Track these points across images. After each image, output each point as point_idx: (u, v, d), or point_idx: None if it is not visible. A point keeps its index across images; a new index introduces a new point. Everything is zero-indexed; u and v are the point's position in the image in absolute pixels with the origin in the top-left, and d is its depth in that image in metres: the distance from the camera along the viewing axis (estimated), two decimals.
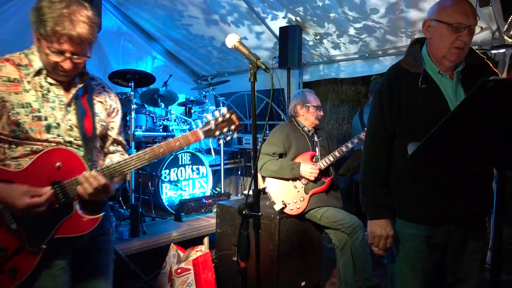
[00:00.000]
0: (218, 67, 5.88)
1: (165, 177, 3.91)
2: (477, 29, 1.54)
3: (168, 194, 3.94)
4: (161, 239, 3.21)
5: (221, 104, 4.74)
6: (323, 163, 2.89)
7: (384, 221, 1.62)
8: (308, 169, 2.82)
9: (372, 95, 1.72)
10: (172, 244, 3.02)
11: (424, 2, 3.45)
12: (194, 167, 4.20)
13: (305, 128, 3.04)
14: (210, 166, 4.49)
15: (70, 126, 1.40)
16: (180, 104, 4.64)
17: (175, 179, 4.02)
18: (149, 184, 3.89)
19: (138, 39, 5.45)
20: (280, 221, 2.77)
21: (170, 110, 4.36)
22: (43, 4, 1.28)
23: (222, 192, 4.46)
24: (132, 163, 1.40)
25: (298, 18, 4.33)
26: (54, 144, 1.35)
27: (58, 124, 1.37)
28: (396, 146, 1.63)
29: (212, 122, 1.49)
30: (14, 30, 4.10)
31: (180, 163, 4.07)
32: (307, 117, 3.03)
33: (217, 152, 4.96)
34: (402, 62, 1.65)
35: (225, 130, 1.49)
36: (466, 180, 1.53)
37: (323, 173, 2.92)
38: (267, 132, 3.33)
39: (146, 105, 4.45)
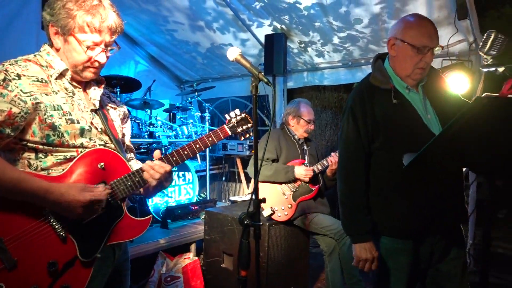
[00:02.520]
0: (202, 72, 5.88)
1: None
2: (438, 49, 1.61)
3: (154, 201, 3.90)
4: (148, 247, 3.17)
5: (207, 110, 4.75)
6: (316, 168, 2.93)
7: (368, 244, 1.63)
8: (303, 171, 2.87)
9: (343, 113, 1.76)
10: (160, 251, 3.00)
11: (406, 13, 3.56)
12: (181, 173, 4.19)
13: (296, 136, 3.09)
14: (196, 171, 4.47)
15: (100, 129, 1.35)
16: (166, 110, 4.61)
17: None
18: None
19: (121, 43, 5.34)
20: (269, 228, 2.80)
21: (156, 116, 4.33)
22: (66, 0, 1.23)
23: (208, 198, 4.45)
24: (173, 159, 1.40)
25: (283, 26, 4.39)
26: (90, 148, 1.28)
27: (90, 127, 1.31)
28: (375, 163, 1.66)
29: (234, 120, 1.58)
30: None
31: None
32: (297, 129, 3.07)
33: (203, 158, 4.96)
34: (372, 79, 1.70)
35: (244, 127, 1.58)
36: (444, 191, 1.59)
37: (312, 180, 2.98)
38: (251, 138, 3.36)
39: (131, 111, 4.41)
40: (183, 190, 4.20)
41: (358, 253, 1.65)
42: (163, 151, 4.42)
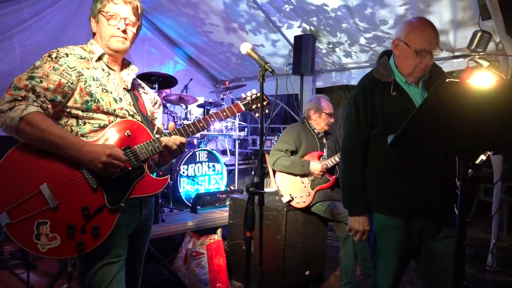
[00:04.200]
0: (236, 72, 6.19)
1: (183, 172, 4.21)
2: (437, 52, 1.76)
3: (186, 188, 4.24)
4: (178, 227, 3.50)
5: None
6: (329, 162, 3.14)
7: (362, 218, 1.85)
8: (317, 167, 3.08)
9: (349, 103, 1.95)
10: (188, 231, 3.31)
11: (430, 14, 3.67)
12: (210, 164, 4.50)
13: (316, 130, 3.29)
14: (225, 166, 4.78)
15: (129, 103, 1.63)
16: (199, 106, 4.95)
17: (193, 174, 4.33)
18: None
19: (162, 44, 5.82)
20: (287, 213, 3.02)
21: (190, 110, 4.68)
22: None
23: (236, 189, 4.73)
24: (190, 129, 1.66)
25: (312, 28, 4.59)
26: (120, 117, 1.56)
27: (121, 99, 1.58)
28: (374, 146, 1.85)
29: (248, 98, 1.80)
30: (50, 33, 4.54)
31: (197, 159, 4.38)
32: (318, 122, 3.28)
33: (232, 153, 5.25)
34: (375, 72, 1.88)
35: (259, 105, 1.77)
36: (435, 174, 1.75)
37: (329, 171, 3.17)
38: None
39: (168, 106, 4.78)
40: (213, 180, 4.51)
41: (351, 224, 1.86)
42: (196, 143, 4.77)
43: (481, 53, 2.18)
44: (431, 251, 1.83)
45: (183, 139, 1.62)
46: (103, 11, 1.58)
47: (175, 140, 1.59)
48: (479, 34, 2.24)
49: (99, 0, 1.60)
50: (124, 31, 1.60)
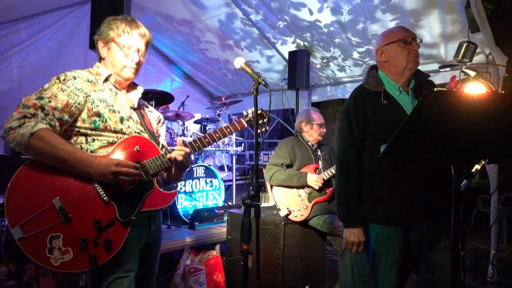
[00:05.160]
0: (232, 88, 6.26)
1: (181, 188, 4.21)
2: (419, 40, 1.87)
3: (183, 204, 4.23)
4: (176, 244, 3.47)
5: None
6: (325, 175, 3.15)
7: (357, 229, 1.85)
8: (314, 178, 3.09)
9: (342, 115, 2.00)
10: (186, 247, 3.29)
11: (420, 28, 3.75)
12: (208, 179, 4.50)
13: (309, 143, 3.32)
14: (223, 181, 4.78)
15: (136, 121, 1.67)
16: (196, 122, 4.98)
17: (190, 190, 4.32)
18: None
19: (159, 62, 5.90)
20: (285, 227, 3.01)
21: (187, 127, 4.71)
22: (109, 20, 1.65)
23: (234, 204, 4.72)
24: (197, 144, 1.71)
25: (306, 43, 4.68)
26: (127, 135, 1.59)
27: (128, 118, 1.63)
28: (368, 156, 1.87)
29: (250, 115, 1.86)
30: (48, 54, 4.61)
31: (195, 175, 4.38)
32: (311, 134, 3.31)
33: (230, 169, 5.26)
34: (365, 84, 1.93)
35: (260, 121, 1.83)
36: (429, 181, 1.77)
37: (325, 183, 3.18)
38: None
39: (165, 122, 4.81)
40: (210, 196, 4.50)
41: (346, 236, 1.86)
42: (193, 158, 4.78)
43: (468, 64, 2.24)
44: (431, 262, 1.82)
45: (187, 149, 1.66)
46: (117, 41, 1.63)
47: (179, 151, 1.63)
48: (465, 45, 2.31)
49: (111, 28, 1.63)
50: (137, 63, 1.66)
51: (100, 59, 1.71)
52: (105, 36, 1.64)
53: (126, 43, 1.62)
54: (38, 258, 1.38)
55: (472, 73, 2.31)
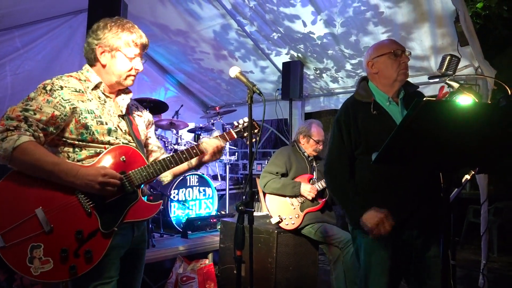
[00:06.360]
0: (226, 98, 6.30)
1: (174, 197, 4.20)
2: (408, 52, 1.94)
3: (176, 213, 4.22)
4: (168, 252, 3.46)
5: None
6: (319, 185, 3.17)
7: (369, 213, 1.78)
8: (308, 188, 3.11)
9: (333, 125, 2.04)
10: (178, 256, 3.27)
11: (411, 41, 3.84)
12: (201, 188, 4.50)
13: (305, 153, 3.35)
14: (216, 191, 4.78)
15: (124, 131, 1.66)
16: (190, 131, 4.99)
17: (183, 199, 4.31)
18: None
19: (153, 72, 5.92)
20: (278, 235, 3.02)
21: (181, 135, 4.72)
22: (110, 26, 1.62)
23: (227, 213, 4.72)
24: (183, 156, 1.71)
25: (299, 54, 4.74)
26: (115, 145, 1.59)
27: (116, 129, 1.62)
28: (359, 165, 1.91)
29: (240, 126, 1.87)
30: (42, 62, 4.61)
31: (188, 184, 4.38)
32: (306, 147, 3.34)
33: (223, 178, 5.26)
34: (355, 95, 1.99)
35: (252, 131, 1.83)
36: (418, 190, 1.81)
37: (318, 194, 3.20)
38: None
39: (159, 131, 4.82)
40: (203, 204, 4.50)
41: (369, 224, 1.76)
42: None
43: (454, 76, 2.30)
44: (421, 270, 1.84)
45: (220, 143, 1.77)
46: (124, 52, 1.62)
47: (212, 143, 1.73)
48: (448, 57, 2.38)
49: (116, 37, 1.61)
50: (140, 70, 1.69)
51: (92, 63, 1.67)
52: (108, 44, 1.61)
53: (132, 54, 1.63)
54: (18, 267, 1.39)
55: (455, 85, 2.37)
